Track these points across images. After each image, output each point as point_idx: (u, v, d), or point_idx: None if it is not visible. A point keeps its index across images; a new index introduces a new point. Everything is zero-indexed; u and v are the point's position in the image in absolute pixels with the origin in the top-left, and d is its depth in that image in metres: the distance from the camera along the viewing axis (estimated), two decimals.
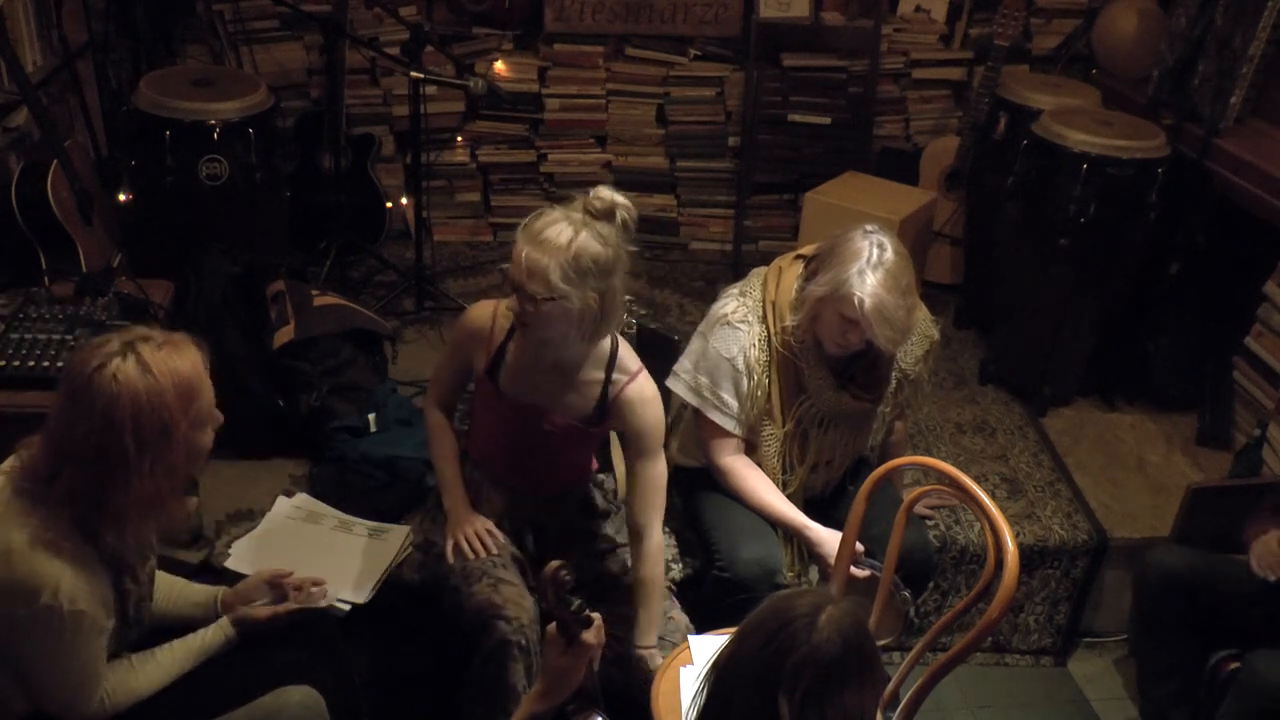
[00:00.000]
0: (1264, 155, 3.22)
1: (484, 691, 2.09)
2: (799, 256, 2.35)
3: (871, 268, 2.12)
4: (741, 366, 2.31)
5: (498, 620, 2.07)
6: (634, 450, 2.20)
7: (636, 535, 2.20)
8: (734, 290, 2.40)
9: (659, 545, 2.21)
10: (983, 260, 3.76)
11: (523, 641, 2.07)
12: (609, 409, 2.19)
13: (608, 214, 1.99)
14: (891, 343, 2.19)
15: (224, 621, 1.94)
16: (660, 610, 2.20)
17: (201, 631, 1.93)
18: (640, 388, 2.18)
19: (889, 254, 2.14)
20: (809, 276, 2.25)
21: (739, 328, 2.32)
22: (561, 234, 1.96)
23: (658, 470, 2.20)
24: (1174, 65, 3.55)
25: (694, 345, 2.41)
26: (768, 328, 2.32)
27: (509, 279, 2.02)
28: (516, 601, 2.11)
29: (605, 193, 2.00)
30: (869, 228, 2.19)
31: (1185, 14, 3.53)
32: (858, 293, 2.11)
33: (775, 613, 1.37)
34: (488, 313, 2.20)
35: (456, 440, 2.36)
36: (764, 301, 2.34)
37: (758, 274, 2.41)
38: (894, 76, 4.17)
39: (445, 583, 2.21)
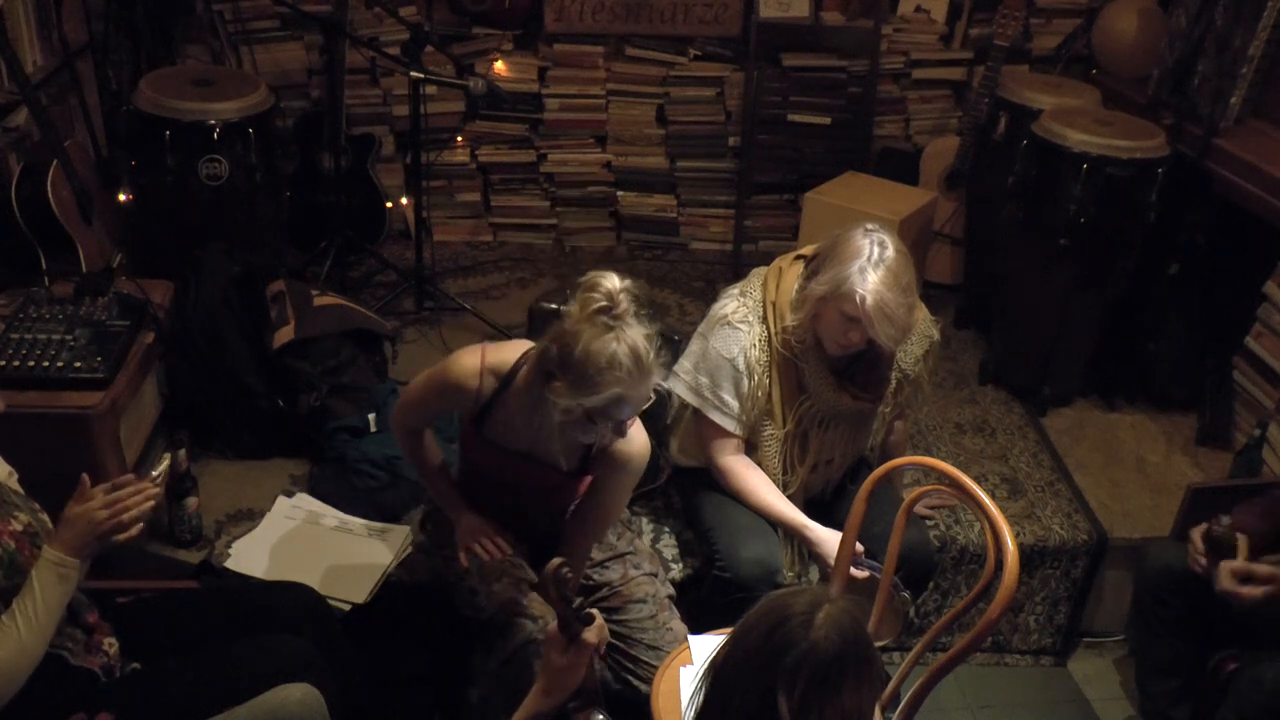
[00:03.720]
0: (1264, 155, 3.22)
1: (504, 690, 2.08)
2: (799, 256, 2.35)
3: (873, 265, 2.12)
4: (742, 367, 2.31)
5: (524, 619, 2.07)
6: (606, 491, 2.18)
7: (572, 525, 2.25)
8: (734, 290, 2.39)
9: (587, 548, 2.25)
10: (983, 260, 3.76)
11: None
12: (594, 460, 2.15)
13: (630, 299, 1.90)
14: (892, 340, 2.19)
15: (45, 551, 1.72)
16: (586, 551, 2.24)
17: (30, 577, 1.70)
18: (635, 441, 2.11)
19: (890, 252, 2.14)
20: (809, 276, 2.25)
21: (739, 328, 2.32)
22: (639, 354, 1.86)
23: (614, 510, 2.24)
24: (1174, 65, 3.56)
25: (694, 346, 2.41)
26: (768, 328, 2.32)
27: (608, 420, 1.93)
28: (540, 601, 2.11)
29: (611, 289, 1.88)
30: (869, 226, 2.19)
31: (1185, 14, 3.53)
32: (859, 290, 2.11)
33: (772, 611, 1.37)
34: (474, 370, 2.08)
35: (438, 452, 2.31)
36: (764, 302, 2.34)
37: (758, 274, 2.41)
38: (894, 76, 4.17)
39: (460, 583, 2.20)
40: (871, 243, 2.14)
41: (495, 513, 2.28)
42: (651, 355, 1.88)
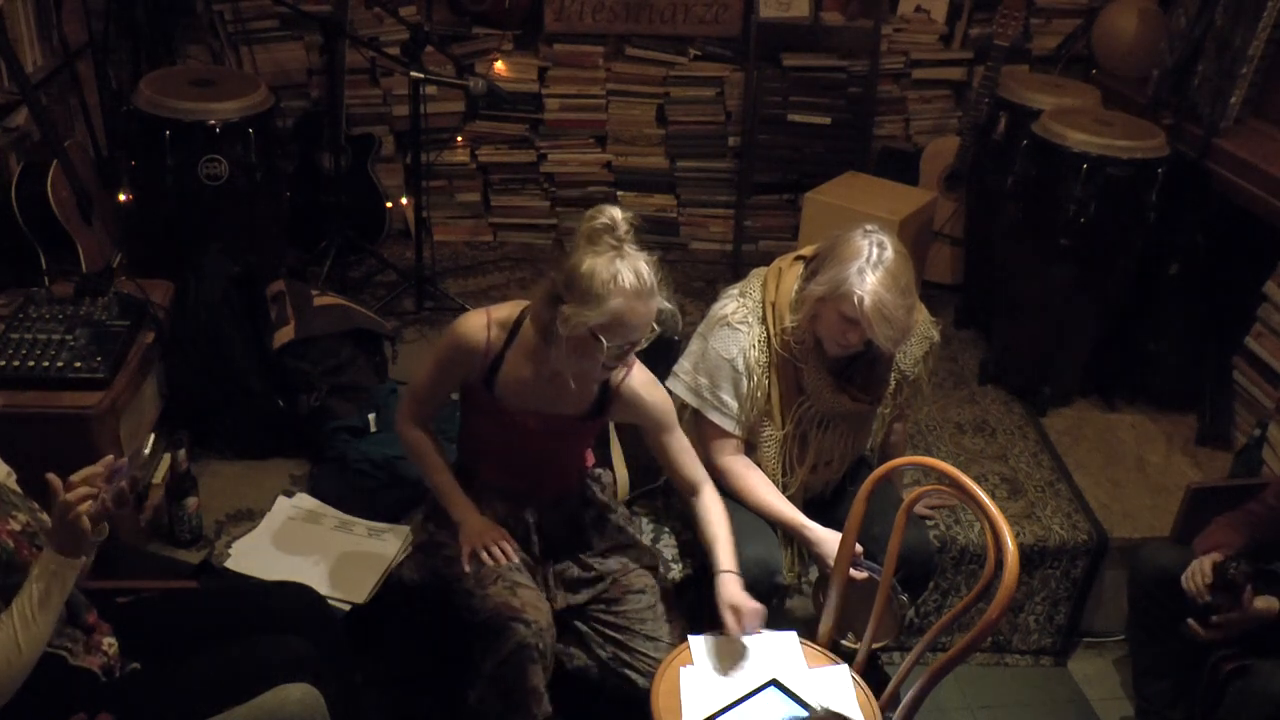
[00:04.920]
0: (1264, 155, 3.22)
1: (500, 693, 2.09)
2: (799, 257, 2.35)
3: (871, 266, 2.12)
4: (741, 367, 2.31)
5: (516, 623, 2.06)
6: (655, 431, 2.25)
7: (692, 491, 2.28)
8: (734, 291, 2.39)
9: (714, 495, 2.27)
10: (983, 260, 3.76)
11: (541, 645, 2.07)
12: (610, 401, 2.21)
13: (634, 228, 2.00)
14: (891, 342, 2.19)
15: (43, 552, 1.72)
16: (729, 542, 2.21)
17: (29, 577, 1.71)
18: (638, 377, 2.21)
19: (889, 253, 2.14)
20: (809, 276, 2.25)
21: (739, 329, 2.32)
22: (642, 274, 1.97)
23: (683, 439, 2.28)
24: (1174, 65, 3.56)
25: (693, 346, 2.41)
26: (767, 329, 2.32)
27: (615, 340, 1.98)
28: (534, 604, 2.11)
29: (615, 214, 1.98)
30: (869, 227, 2.19)
31: (1185, 14, 3.53)
32: (857, 291, 2.11)
33: None
34: (480, 325, 2.16)
35: (442, 450, 2.33)
36: (764, 302, 2.34)
37: (757, 274, 2.41)
38: (894, 76, 4.17)
39: (456, 584, 2.20)
40: (870, 244, 2.14)
41: (500, 498, 2.28)
42: (654, 278, 1.98)
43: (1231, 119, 3.39)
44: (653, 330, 2.03)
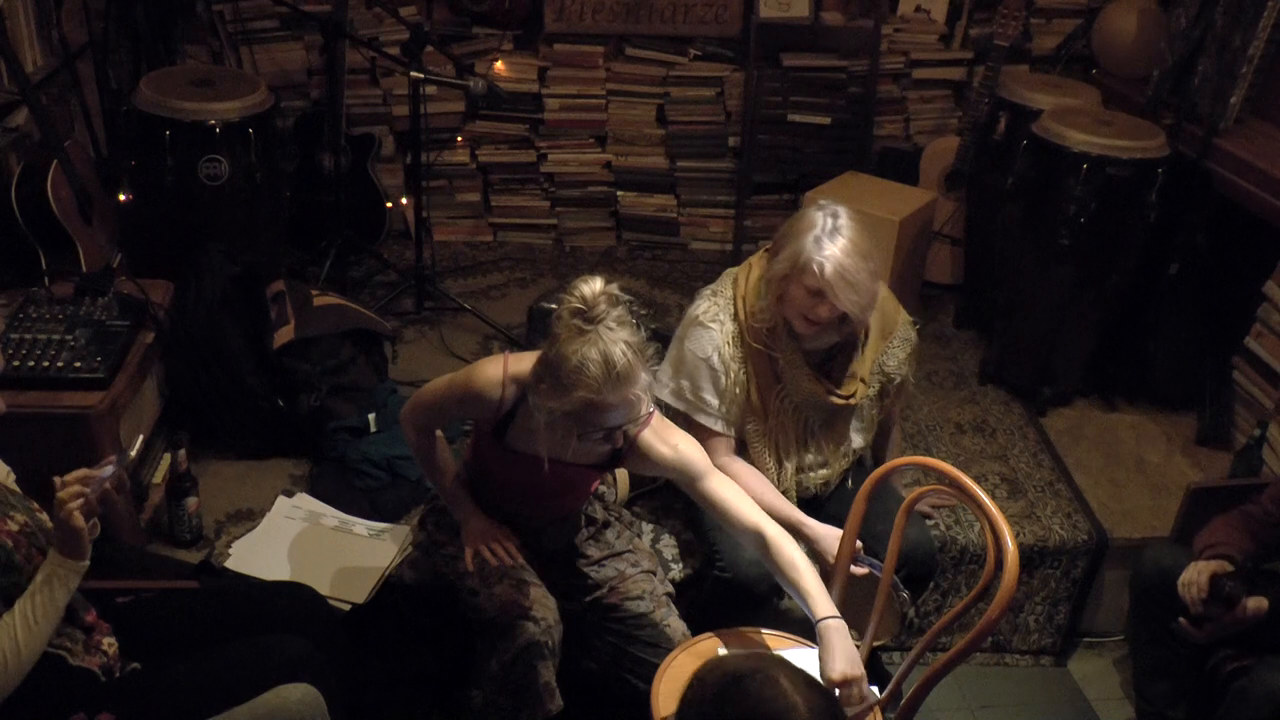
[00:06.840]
0: (1264, 155, 3.23)
1: (508, 692, 2.08)
2: (768, 250, 2.34)
3: (828, 235, 2.13)
4: (717, 364, 2.31)
5: (526, 621, 2.05)
6: (686, 483, 2.12)
7: (756, 538, 2.07)
8: (706, 291, 2.40)
9: (778, 532, 2.06)
10: (983, 260, 3.76)
11: (550, 642, 2.06)
12: (625, 454, 2.12)
13: (612, 304, 1.87)
14: (859, 308, 2.17)
15: (50, 554, 1.75)
16: (818, 579, 2.02)
17: (33, 582, 1.74)
18: (655, 427, 2.10)
19: (843, 220, 2.15)
20: (771, 260, 2.25)
21: (710, 326, 2.32)
22: (613, 361, 1.81)
23: (720, 482, 2.11)
24: (1174, 65, 3.56)
25: (672, 351, 2.41)
26: (739, 323, 2.32)
27: (588, 429, 1.90)
28: (542, 602, 2.10)
29: (588, 292, 1.84)
30: (822, 202, 2.20)
31: (1185, 14, 3.53)
32: (816, 258, 2.11)
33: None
34: (495, 381, 2.04)
35: (448, 451, 2.30)
36: (735, 298, 2.34)
37: (729, 273, 2.42)
38: (894, 76, 4.17)
39: (461, 584, 2.19)
40: (824, 215, 2.16)
41: (502, 516, 2.27)
42: (625, 363, 1.82)
43: (1231, 119, 3.39)
44: (639, 408, 1.91)
